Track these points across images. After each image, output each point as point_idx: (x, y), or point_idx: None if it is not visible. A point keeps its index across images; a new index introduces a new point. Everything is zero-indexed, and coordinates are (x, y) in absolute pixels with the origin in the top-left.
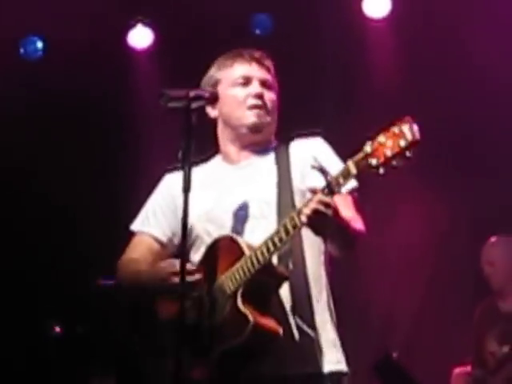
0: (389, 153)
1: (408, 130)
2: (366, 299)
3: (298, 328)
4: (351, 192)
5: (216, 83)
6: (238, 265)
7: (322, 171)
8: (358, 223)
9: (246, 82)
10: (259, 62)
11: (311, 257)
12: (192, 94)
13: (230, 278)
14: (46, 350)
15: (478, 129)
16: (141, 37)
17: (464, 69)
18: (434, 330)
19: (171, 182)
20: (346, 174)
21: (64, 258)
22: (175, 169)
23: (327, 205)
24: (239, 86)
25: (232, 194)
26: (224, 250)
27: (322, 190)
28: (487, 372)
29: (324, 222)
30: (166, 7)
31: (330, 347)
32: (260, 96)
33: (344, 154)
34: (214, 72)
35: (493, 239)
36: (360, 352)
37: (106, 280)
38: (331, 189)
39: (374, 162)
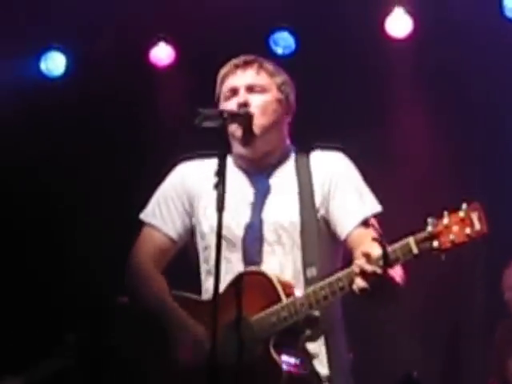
0: (454, 239)
1: (477, 220)
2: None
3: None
4: (375, 216)
5: (218, 100)
6: (272, 309)
7: (381, 243)
8: (398, 274)
9: (234, 93)
10: (243, 67)
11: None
12: (226, 113)
13: (262, 322)
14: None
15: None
16: (162, 54)
17: (487, 87)
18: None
19: (186, 173)
20: (406, 252)
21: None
22: (189, 158)
23: (381, 277)
24: (228, 100)
25: (249, 209)
26: (256, 288)
27: (377, 260)
28: None
29: (374, 291)
30: (188, 25)
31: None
32: (244, 104)
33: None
34: (217, 88)
35: None
36: (381, 371)
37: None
38: (388, 262)
39: (436, 244)
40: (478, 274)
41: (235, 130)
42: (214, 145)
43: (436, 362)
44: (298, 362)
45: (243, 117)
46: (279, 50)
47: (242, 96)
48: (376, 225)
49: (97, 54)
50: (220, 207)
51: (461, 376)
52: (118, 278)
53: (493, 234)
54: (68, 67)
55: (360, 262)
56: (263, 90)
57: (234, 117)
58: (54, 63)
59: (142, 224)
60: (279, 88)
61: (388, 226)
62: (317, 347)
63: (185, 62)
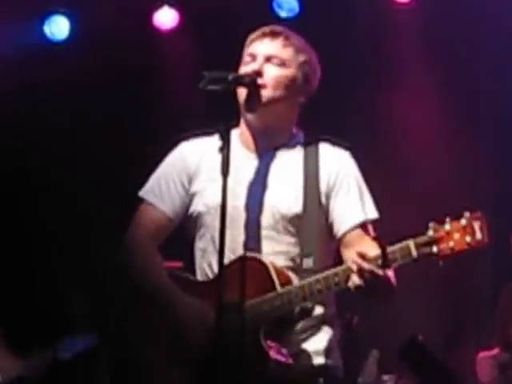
0: (454, 247)
1: (479, 229)
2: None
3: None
4: (372, 222)
5: (240, 62)
6: (266, 297)
7: (380, 244)
8: (392, 275)
9: (252, 59)
10: (270, 37)
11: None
12: (231, 77)
13: (255, 309)
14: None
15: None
16: (166, 18)
17: (492, 50)
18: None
19: (186, 151)
20: (405, 254)
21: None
22: (191, 136)
23: (378, 276)
24: (246, 65)
25: (249, 190)
26: (251, 274)
27: (375, 259)
28: None
29: (369, 290)
30: None
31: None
32: (257, 73)
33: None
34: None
35: None
36: (388, 336)
37: None
38: (386, 262)
39: (435, 250)
40: None
41: (240, 93)
42: (220, 109)
43: (440, 326)
44: (286, 350)
45: (248, 81)
46: (283, 13)
47: (258, 64)
48: (371, 231)
49: (100, 18)
50: (225, 172)
51: (465, 339)
52: None
53: (500, 201)
54: (72, 31)
55: (358, 260)
56: (282, 63)
57: (239, 80)
58: (58, 27)
59: (140, 201)
60: (300, 66)
61: (394, 226)
62: (309, 337)
63: (189, 26)
